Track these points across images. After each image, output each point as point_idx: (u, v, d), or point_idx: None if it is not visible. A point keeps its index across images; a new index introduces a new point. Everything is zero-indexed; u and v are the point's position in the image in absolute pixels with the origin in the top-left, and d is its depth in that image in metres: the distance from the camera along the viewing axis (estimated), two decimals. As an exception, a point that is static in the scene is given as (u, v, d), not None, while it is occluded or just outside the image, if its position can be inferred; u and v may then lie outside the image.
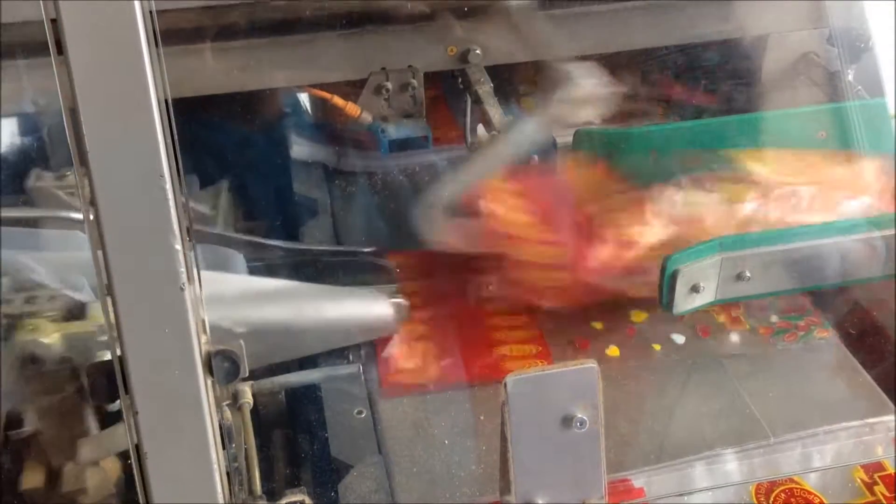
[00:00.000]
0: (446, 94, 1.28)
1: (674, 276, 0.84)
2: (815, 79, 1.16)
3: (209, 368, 0.56)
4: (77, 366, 0.75)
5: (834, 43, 1.13)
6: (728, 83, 1.18)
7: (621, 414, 0.84)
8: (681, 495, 0.78)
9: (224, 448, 0.75)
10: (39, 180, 0.93)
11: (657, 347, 0.92)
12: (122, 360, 0.54)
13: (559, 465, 0.62)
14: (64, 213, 0.87)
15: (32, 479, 0.76)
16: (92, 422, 0.78)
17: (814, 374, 0.89)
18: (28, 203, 0.90)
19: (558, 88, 0.92)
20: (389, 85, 1.13)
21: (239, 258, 0.93)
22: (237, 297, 0.86)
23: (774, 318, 0.95)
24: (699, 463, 0.80)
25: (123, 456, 0.75)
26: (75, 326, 0.78)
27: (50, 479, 0.77)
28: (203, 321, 0.56)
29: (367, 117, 1.15)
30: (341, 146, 1.21)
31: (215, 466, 0.56)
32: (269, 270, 0.95)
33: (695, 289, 0.85)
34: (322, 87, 1.15)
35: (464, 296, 0.95)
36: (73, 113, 0.50)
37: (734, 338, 0.93)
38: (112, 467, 0.77)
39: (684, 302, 0.86)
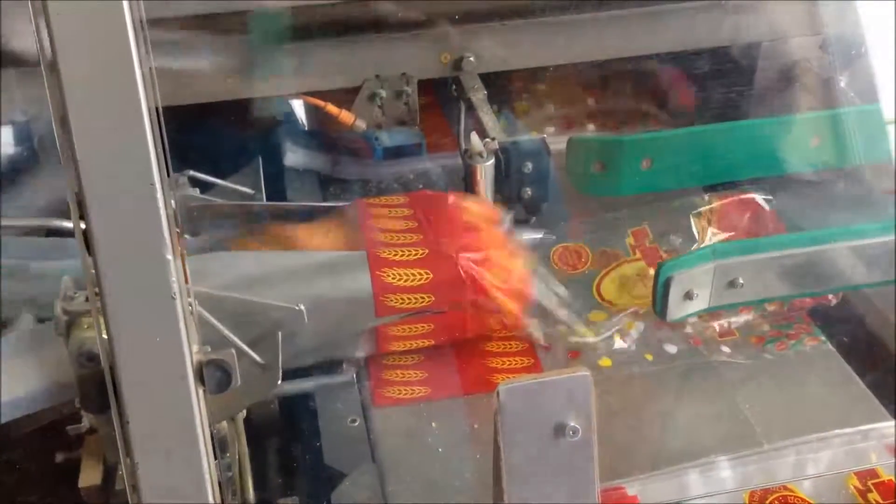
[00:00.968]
0: (440, 101, 1.28)
1: (667, 284, 0.84)
2: (808, 85, 1.16)
3: (201, 378, 0.56)
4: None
5: (826, 49, 1.14)
6: (721, 90, 1.18)
7: (615, 422, 0.84)
8: (675, 503, 0.78)
9: (217, 458, 0.76)
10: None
11: (649, 357, 0.92)
12: (112, 368, 0.54)
13: (552, 474, 0.62)
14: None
15: (89, 476, 0.76)
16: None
17: (807, 382, 0.89)
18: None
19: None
20: (383, 92, 1.14)
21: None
22: (287, 272, 0.84)
23: (766, 328, 0.95)
24: (693, 470, 0.80)
25: (105, 465, 0.75)
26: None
27: (106, 477, 0.77)
28: (194, 330, 0.56)
29: (361, 125, 1.15)
30: (335, 154, 1.22)
31: (207, 476, 0.56)
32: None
33: (688, 296, 0.85)
34: (316, 94, 1.15)
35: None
36: (64, 122, 0.50)
37: (725, 347, 0.93)
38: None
39: (678, 309, 0.86)
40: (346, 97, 1.13)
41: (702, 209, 0.99)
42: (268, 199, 1.21)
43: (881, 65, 1.05)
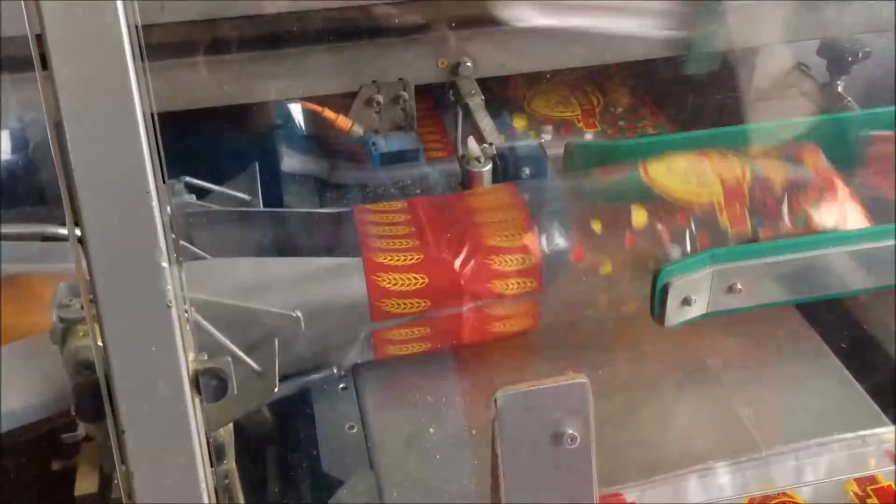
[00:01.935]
0: (438, 105, 1.28)
1: (665, 289, 0.84)
2: (805, 90, 1.16)
3: (196, 386, 0.56)
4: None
5: (823, 55, 1.14)
6: (718, 94, 1.18)
7: (612, 426, 0.83)
8: None
9: (213, 465, 0.76)
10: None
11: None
12: (107, 377, 0.54)
13: (550, 482, 0.62)
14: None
15: (85, 484, 0.76)
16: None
17: (806, 386, 0.89)
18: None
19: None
20: (380, 98, 1.13)
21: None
22: (284, 279, 0.83)
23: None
24: (692, 476, 0.79)
25: (102, 475, 0.75)
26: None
27: (103, 485, 0.76)
28: (190, 338, 0.55)
29: (359, 130, 1.14)
30: (332, 159, 1.21)
31: (203, 485, 0.56)
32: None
33: (686, 301, 0.85)
34: (313, 100, 1.15)
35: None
36: (58, 128, 0.50)
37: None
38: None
39: (676, 315, 0.86)
40: (343, 102, 1.13)
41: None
42: (265, 205, 1.21)
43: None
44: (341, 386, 0.91)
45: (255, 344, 0.72)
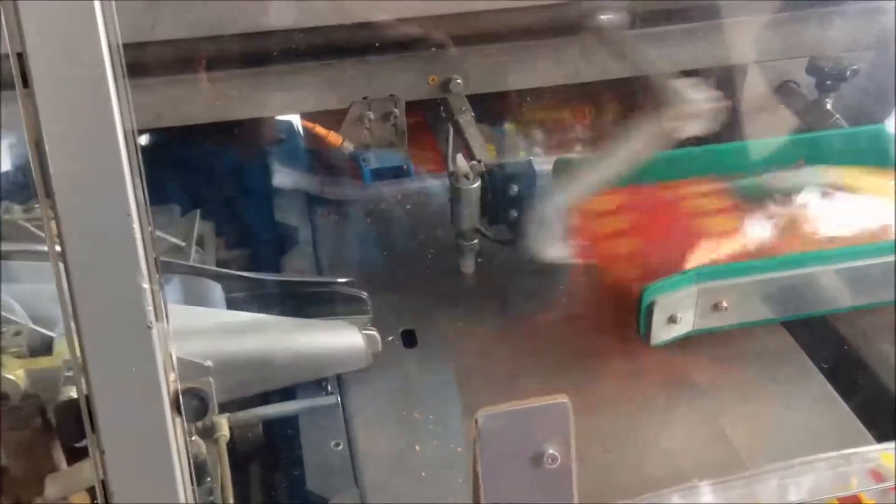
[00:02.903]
0: (429, 121, 1.28)
1: (651, 307, 0.84)
2: (794, 107, 1.17)
3: (177, 406, 0.56)
4: (43, 401, 0.74)
5: (812, 73, 1.14)
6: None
7: (598, 446, 0.83)
8: None
9: (198, 483, 0.76)
10: (8, 213, 0.93)
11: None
12: (88, 398, 0.54)
13: (531, 502, 0.62)
14: (33, 247, 0.87)
15: None
16: (60, 457, 0.77)
17: (792, 405, 0.89)
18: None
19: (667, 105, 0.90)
20: (371, 114, 1.14)
21: (217, 288, 0.92)
22: (208, 330, 0.86)
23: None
24: (675, 495, 0.79)
25: (91, 492, 0.74)
26: (41, 362, 0.77)
27: None
28: (171, 358, 0.56)
29: (349, 146, 1.15)
30: (323, 175, 1.22)
31: (182, 499, 0.56)
32: (244, 302, 0.94)
33: (672, 319, 0.85)
34: (304, 116, 1.15)
35: None
36: (39, 146, 0.50)
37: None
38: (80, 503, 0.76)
39: (662, 332, 0.86)
40: (334, 118, 1.14)
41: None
42: (251, 221, 1.22)
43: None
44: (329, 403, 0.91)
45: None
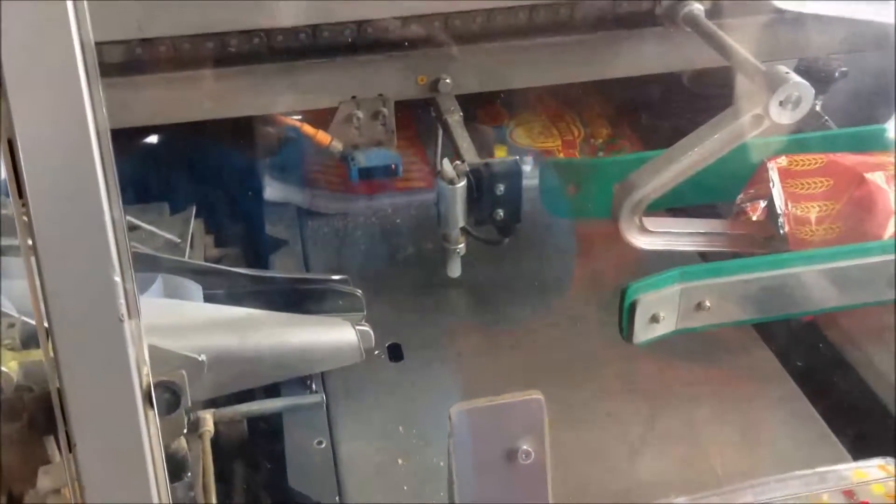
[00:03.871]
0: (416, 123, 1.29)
1: (633, 307, 0.84)
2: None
3: (149, 399, 0.56)
4: (36, 394, 0.74)
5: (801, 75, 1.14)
6: (698, 113, 1.19)
7: (576, 460, 0.83)
8: None
9: (178, 479, 0.76)
10: (4, 208, 0.93)
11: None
12: (59, 391, 0.54)
13: (505, 497, 0.62)
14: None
15: None
16: (53, 450, 0.77)
17: (769, 422, 0.89)
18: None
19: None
20: (360, 114, 1.14)
21: (196, 288, 0.92)
22: (202, 325, 0.86)
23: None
24: None
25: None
26: (34, 354, 0.77)
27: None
28: (144, 351, 0.56)
29: (338, 145, 1.15)
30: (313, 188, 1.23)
31: (156, 499, 0.56)
32: (238, 298, 0.95)
33: (654, 319, 0.85)
34: (292, 115, 1.16)
35: None
36: (11, 144, 0.50)
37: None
38: (74, 495, 0.77)
39: (644, 332, 0.86)
40: (322, 117, 1.14)
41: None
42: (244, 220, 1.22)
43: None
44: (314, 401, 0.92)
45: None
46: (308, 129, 1.14)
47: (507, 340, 0.99)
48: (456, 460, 0.61)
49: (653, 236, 0.93)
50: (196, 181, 1.23)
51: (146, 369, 0.57)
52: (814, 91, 0.88)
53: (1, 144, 0.51)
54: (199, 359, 0.80)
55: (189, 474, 0.77)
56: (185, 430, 0.70)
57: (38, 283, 0.52)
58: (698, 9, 1.04)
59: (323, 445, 0.87)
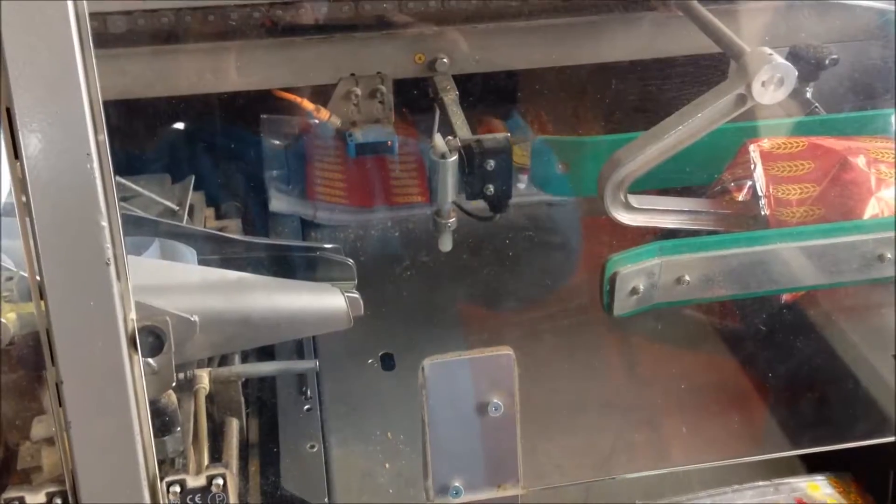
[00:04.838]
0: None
1: (613, 279, 0.86)
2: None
3: (134, 343, 0.59)
4: (33, 345, 0.76)
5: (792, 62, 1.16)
6: (688, 95, 1.20)
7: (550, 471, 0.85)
8: None
9: (168, 433, 0.79)
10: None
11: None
12: (48, 331, 0.57)
13: (476, 450, 0.64)
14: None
15: None
16: (47, 401, 0.80)
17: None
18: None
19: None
20: (358, 91, 1.16)
21: (191, 253, 0.95)
22: (195, 286, 0.88)
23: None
24: None
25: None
26: (31, 307, 0.80)
27: (6, 458, 0.79)
28: (129, 295, 0.58)
29: (336, 122, 1.17)
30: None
31: (138, 438, 0.58)
32: (232, 264, 0.97)
33: (634, 291, 0.87)
34: (292, 91, 1.18)
35: None
36: (9, 112, 0.53)
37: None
38: (52, 473, 0.79)
39: (624, 304, 0.88)
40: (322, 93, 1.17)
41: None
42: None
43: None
44: (306, 407, 0.94)
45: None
46: (307, 104, 1.16)
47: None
48: (428, 412, 0.63)
49: (637, 213, 0.95)
50: (198, 155, 1.26)
51: (132, 315, 0.59)
52: (796, 73, 0.89)
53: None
54: (192, 319, 0.83)
55: (179, 429, 0.80)
56: (174, 383, 0.72)
57: (30, 231, 0.55)
58: None
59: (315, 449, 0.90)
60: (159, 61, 1.09)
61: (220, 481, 0.68)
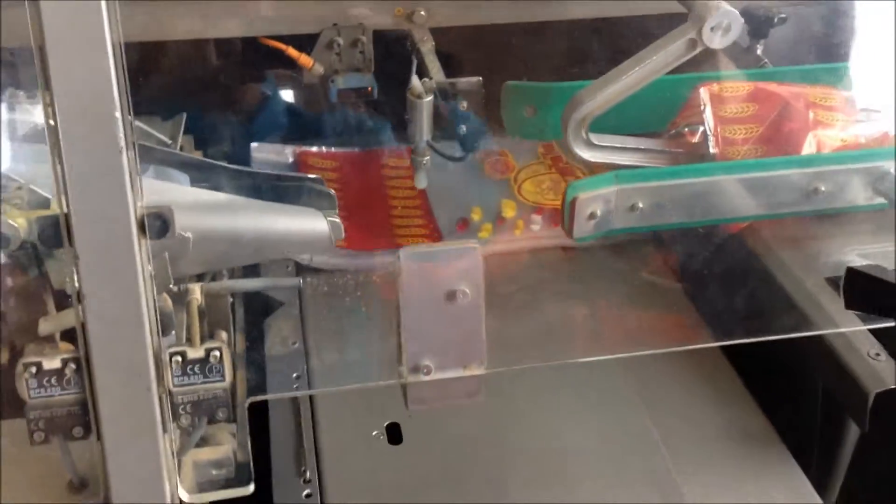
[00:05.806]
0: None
1: (573, 203, 0.94)
2: (726, 50, 1.26)
3: (143, 227, 0.66)
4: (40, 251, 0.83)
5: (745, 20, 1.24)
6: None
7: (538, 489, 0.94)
8: None
9: (164, 334, 0.86)
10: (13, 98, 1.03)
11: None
12: (66, 216, 0.64)
13: (445, 334, 0.72)
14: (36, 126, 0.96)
15: None
16: (51, 305, 0.86)
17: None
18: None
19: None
20: (341, 40, 1.24)
21: (184, 178, 1.02)
22: (187, 206, 0.93)
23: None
24: None
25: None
26: (41, 212, 0.86)
27: (13, 358, 0.85)
28: (139, 183, 0.66)
29: (319, 69, 1.25)
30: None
31: (145, 307, 0.66)
32: (219, 190, 1.03)
33: (592, 216, 0.95)
34: (278, 38, 1.25)
35: None
36: (42, 49, 0.60)
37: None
38: (65, 347, 0.86)
39: (583, 228, 0.95)
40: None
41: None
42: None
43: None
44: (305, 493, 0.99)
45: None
46: (292, 52, 1.23)
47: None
48: (402, 298, 0.71)
49: (597, 150, 1.03)
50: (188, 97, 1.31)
51: (140, 202, 0.67)
52: (743, 20, 0.98)
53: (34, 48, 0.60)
54: (186, 235, 0.89)
55: (173, 332, 0.87)
56: (170, 284, 0.79)
57: (52, 125, 0.62)
58: None
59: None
60: (155, 6, 1.15)
61: (217, 353, 0.75)
